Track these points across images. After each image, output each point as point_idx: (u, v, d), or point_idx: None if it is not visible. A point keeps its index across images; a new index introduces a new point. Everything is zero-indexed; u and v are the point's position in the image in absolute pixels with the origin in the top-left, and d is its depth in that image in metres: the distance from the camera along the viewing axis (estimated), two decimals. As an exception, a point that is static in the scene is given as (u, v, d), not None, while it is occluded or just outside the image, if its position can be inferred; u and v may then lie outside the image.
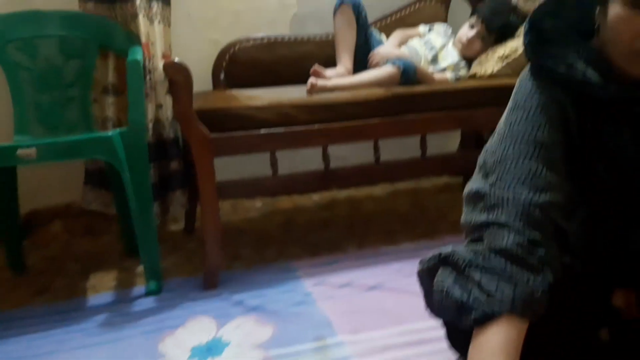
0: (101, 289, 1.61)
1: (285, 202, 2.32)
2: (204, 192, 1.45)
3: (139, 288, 1.59)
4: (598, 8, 0.82)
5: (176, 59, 1.38)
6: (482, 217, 0.80)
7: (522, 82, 0.89)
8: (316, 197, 2.37)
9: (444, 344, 0.99)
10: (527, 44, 0.88)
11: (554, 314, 0.79)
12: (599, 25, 0.83)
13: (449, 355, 1.05)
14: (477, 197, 0.82)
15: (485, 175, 0.84)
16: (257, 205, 2.28)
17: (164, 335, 1.33)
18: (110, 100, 1.76)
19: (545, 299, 0.76)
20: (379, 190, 2.44)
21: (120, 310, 1.47)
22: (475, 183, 0.85)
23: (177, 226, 2.08)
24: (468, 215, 0.83)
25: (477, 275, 0.76)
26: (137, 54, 1.50)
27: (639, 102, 0.82)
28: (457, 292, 0.76)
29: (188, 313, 1.43)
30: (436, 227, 1.94)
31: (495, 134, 0.88)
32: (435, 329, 1.08)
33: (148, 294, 1.54)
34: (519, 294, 0.74)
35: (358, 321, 1.34)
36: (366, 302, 1.44)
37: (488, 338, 0.73)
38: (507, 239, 0.77)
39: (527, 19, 0.91)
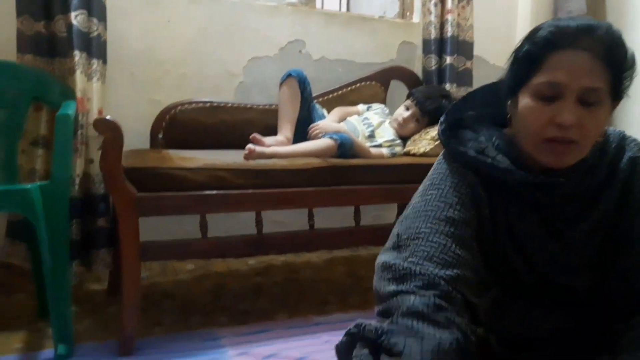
0: (6, 352, 1.48)
1: (219, 265, 2.26)
2: (126, 252, 1.39)
3: (48, 352, 1.48)
4: (509, 100, 0.88)
5: (107, 116, 1.37)
6: (391, 287, 0.80)
7: (438, 164, 0.93)
8: (252, 262, 2.33)
9: None
10: (442, 131, 0.94)
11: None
12: (511, 116, 0.89)
13: None
14: (388, 269, 0.83)
15: (398, 248, 0.85)
16: (188, 267, 2.22)
17: (66, 406, 1.23)
18: (39, 152, 1.71)
19: (455, 356, 0.74)
20: (316, 257, 2.43)
21: (22, 376, 1.36)
22: (387, 255, 0.85)
23: (101, 286, 1.98)
24: (378, 283, 0.83)
25: (386, 341, 0.74)
26: (69, 109, 1.48)
27: (544, 189, 0.86)
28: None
29: (96, 383, 1.33)
30: (369, 297, 1.92)
31: (410, 209, 0.89)
32: None
33: (57, 359, 1.43)
34: (426, 347, 0.72)
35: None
36: (289, 375, 1.39)
37: None
38: (414, 301, 0.76)
39: (445, 112, 0.96)
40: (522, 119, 0.83)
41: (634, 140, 0.91)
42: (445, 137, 0.93)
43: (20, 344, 1.53)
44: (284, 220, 2.18)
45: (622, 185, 0.88)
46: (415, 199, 0.91)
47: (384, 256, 0.85)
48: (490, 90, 0.96)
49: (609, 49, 0.78)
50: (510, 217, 0.88)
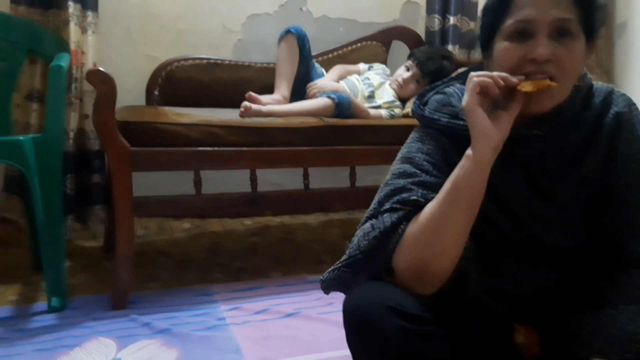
0: (1, 302, 1.50)
1: (215, 225, 2.27)
2: (119, 207, 1.40)
3: (42, 304, 1.50)
4: (486, 59, 0.87)
5: (101, 68, 1.34)
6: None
7: (414, 132, 0.92)
8: (248, 222, 2.34)
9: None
10: (416, 107, 0.92)
11: (459, 346, 0.79)
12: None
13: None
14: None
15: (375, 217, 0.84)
16: (184, 226, 2.23)
17: (58, 354, 1.25)
18: (33, 106, 1.70)
19: None
20: (313, 219, 2.44)
21: (16, 325, 1.38)
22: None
23: (97, 243, 1.99)
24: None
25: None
26: (62, 61, 1.45)
27: (522, 142, 0.85)
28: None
29: (89, 333, 1.35)
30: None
31: (389, 176, 0.88)
32: (344, 357, 1.06)
33: (50, 310, 1.45)
34: None
35: (268, 348, 1.31)
36: (280, 329, 1.41)
37: None
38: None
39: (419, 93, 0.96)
40: (498, 62, 0.82)
41: (622, 95, 0.88)
42: (417, 107, 0.92)
43: (14, 297, 1.55)
44: (280, 181, 2.17)
45: (608, 141, 0.86)
46: (393, 167, 0.90)
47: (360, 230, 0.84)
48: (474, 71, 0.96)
49: None
50: (491, 179, 0.87)
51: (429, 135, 0.88)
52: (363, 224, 0.84)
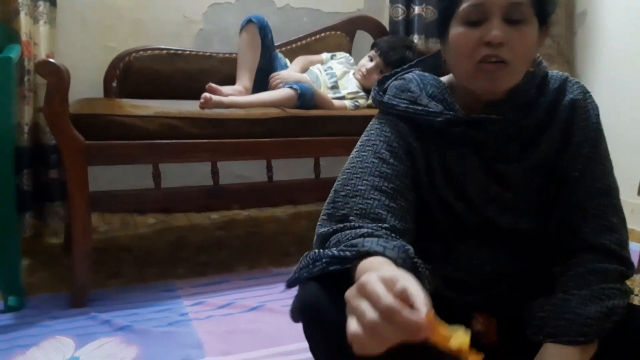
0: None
1: (180, 219, 2.24)
2: (74, 202, 1.36)
3: (-1, 304, 1.46)
4: (443, 45, 0.88)
5: (51, 59, 1.30)
6: (332, 228, 0.80)
7: (372, 122, 0.93)
8: (214, 216, 2.31)
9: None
10: (375, 93, 0.93)
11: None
12: (445, 59, 0.89)
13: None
14: (325, 237, 0.82)
15: (335, 209, 0.84)
16: (149, 221, 2.19)
17: (15, 355, 1.21)
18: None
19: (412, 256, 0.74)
20: (281, 212, 2.42)
21: (-30, 327, 1.34)
22: (324, 227, 0.83)
23: (57, 240, 1.94)
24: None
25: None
26: (12, 52, 1.40)
27: (478, 126, 0.86)
28: (329, 252, 0.74)
29: (47, 332, 1.32)
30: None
31: (348, 164, 0.88)
32: (306, 350, 1.05)
33: (6, 310, 1.41)
34: (390, 246, 0.71)
35: (231, 342, 1.29)
36: (243, 323, 1.40)
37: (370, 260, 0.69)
38: (355, 232, 0.76)
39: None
40: (454, 47, 0.84)
41: (577, 83, 0.90)
42: (376, 93, 0.93)
43: (-30, 297, 1.50)
44: (245, 174, 2.15)
45: (562, 127, 0.87)
46: (353, 154, 0.91)
47: (322, 229, 0.83)
48: (433, 58, 0.97)
49: None
50: (448, 163, 0.88)
51: (388, 122, 0.89)
52: (320, 226, 0.83)
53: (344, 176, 0.86)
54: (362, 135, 0.92)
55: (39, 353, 1.23)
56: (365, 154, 0.87)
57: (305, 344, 0.97)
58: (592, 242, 0.83)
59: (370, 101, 1.99)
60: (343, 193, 0.84)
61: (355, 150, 0.90)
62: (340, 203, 0.83)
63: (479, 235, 0.92)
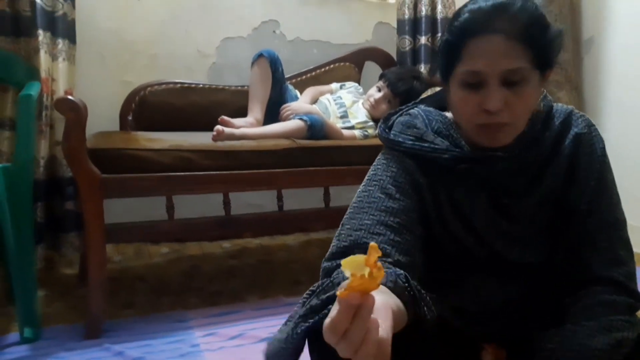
0: (-29, 334, 1.48)
1: (193, 248, 2.26)
2: (90, 234, 1.39)
3: (15, 335, 1.47)
4: (446, 86, 0.88)
5: (69, 96, 1.35)
6: (335, 263, 0.81)
7: (378, 158, 0.94)
8: (226, 245, 2.33)
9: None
10: (381, 130, 0.94)
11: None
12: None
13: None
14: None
15: (339, 243, 0.84)
16: (162, 250, 2.21)
17: (29, 387, 1.23)
18: (5, 134, 1.68)
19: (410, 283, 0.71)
20: (292, 239, 2.44)
21: (-14, 358, 1.36)
22: (328, 260, 0.83)
23: (72, 270, 1.97)
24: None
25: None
26: (32, 89, 1.45)
27: (484, 164, 0.87)
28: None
29: (61, 364, 1.33)
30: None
31: (355, 200, 0.89)
32: None
33: (22, 342, 1.43)
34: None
35: (242, 374, 1.30)
36: (255, 354, 1.40)
37: None
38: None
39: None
40: (454, 107, 0.85)
41: (582, 116, 0.91)
42: (382, 130, 0.94)
43: (-13, 327, 1.53)
44: (257, 202, 2.17)
45: (568, 161, 0.88)
46: (360, 189, 0.92)
47: (326, 263, 0.83)
48: (438, 94, 0.98)
49: (524, 26, 0.77)
50: (456, 198, 0.89)
51: (394, 158, 0.90)
52: (325, 260, 0.84)
53: (351, 210, 0.87)
54: (369, 170, 0.93)
55: (54, 385, 1.24)
56: (372, 189, 0.88)
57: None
58: (601, 274, 0.84)
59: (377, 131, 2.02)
60: (348, 226, 0.85)
61: (362, 185, 0.91)
62: (344, 236, 0.84)
63: (488, 267, 0.93)
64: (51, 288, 1.81)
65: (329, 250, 0.86)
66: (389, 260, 0.79)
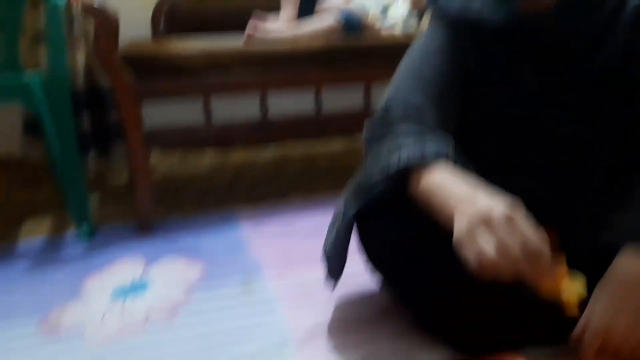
0: (34, 234, 1.58)
1: (236, 156, 2.30)
2: (131, 139, 1.42)
3: (72, 232, 1.57)
4: None
5: (96, 3, 1.32)
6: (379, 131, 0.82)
7: (428, 26, 0.92)
8: (269, 153, 2.35)
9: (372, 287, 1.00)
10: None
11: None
12: None
13: (376, 297, 1.10)
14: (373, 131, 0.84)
15: (384, 113, 0.85)
16: (206, 161, 2.26)
17: (90, 275, 1.32)
18: (41, 48, 1.70)
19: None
20: (337, 146, 2.43)
21: (49, 252, 1.46)
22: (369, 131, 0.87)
23: (122, 180, 2.05)
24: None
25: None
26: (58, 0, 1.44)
27: (532, 33, 0.82)
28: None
29: (117, 255, 1.42)
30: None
31: (399, 70, 0.90)
32: (362, 272, 1.10)
33: (79, 236, 1.53)
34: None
35: (288, 266, 1.34)
36: (301, 247, 1.43)
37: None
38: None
39: None
40: None
41: None
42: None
43: (47, 228, 1.63)
44: (298, 109, 2.14)
45: (627, 32, 0.81)
46: (404, 60, 0.90)
47: (367, 133, 0.87)
48: None
49: None
50: (504, 66, 0.85)
51: (440, 27, 0.88)
52: (366, 131, 0.86)
53: (393, 81, 0.88)
54: (414, 42, 0.92)
55: (113, 272, 1.33)
56: (414, 60, 0.88)
57: (360, 266, 1.01)
58: None
59: (422, 26, 1.91)
60: (390, 96, 0.85)
61: (406, 56, 0.91)
62: (386, 107, 0.84)
63: (537, 145, 0.89)
64: (103, 194, 1.89)
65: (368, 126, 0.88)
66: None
